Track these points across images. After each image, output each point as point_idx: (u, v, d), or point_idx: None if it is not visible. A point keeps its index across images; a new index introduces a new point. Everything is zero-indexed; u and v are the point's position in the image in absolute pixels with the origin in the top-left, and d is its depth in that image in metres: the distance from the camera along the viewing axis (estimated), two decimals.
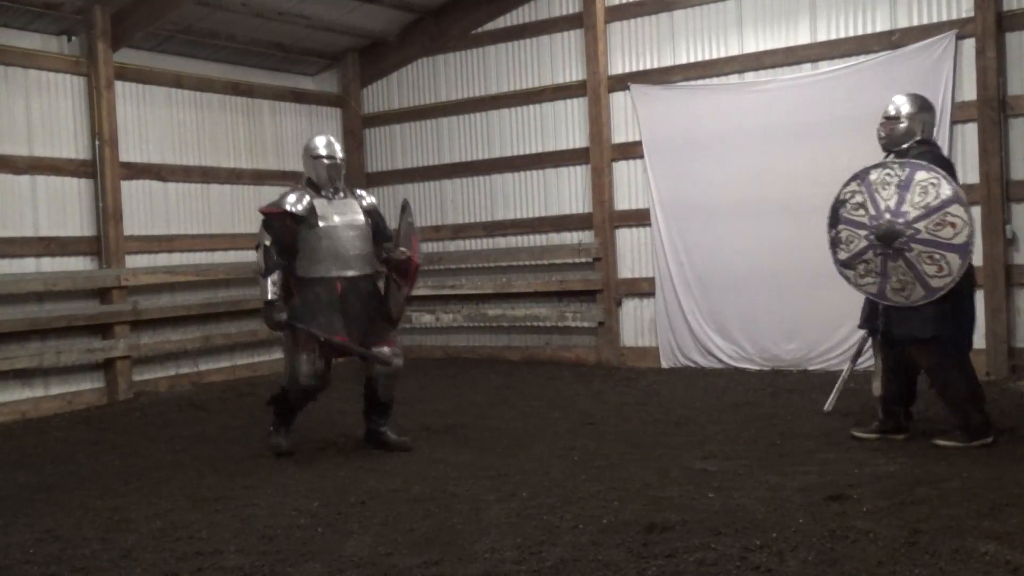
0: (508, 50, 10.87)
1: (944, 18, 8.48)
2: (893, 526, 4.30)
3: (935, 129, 6.89)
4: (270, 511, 5.10)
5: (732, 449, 6.08)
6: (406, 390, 8.01)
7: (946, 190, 5.69)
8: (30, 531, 4.93)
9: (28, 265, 8.78)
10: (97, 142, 9.19)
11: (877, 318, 6.03)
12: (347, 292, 6.32)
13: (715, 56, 9.58)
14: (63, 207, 9.06)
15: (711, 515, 4.60)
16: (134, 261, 9.48)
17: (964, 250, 5.65)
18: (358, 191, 6.74)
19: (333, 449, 6.59)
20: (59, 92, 9.10)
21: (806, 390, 8.05)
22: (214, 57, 10.66)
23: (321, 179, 6.47)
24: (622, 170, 10.15)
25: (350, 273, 6.36)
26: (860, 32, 8.87)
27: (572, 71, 10.44)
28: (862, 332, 6.41)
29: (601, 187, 10.15)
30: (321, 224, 6.31)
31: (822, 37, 9.06)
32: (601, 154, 10.13)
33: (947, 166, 6.02)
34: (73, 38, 9.23)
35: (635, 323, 10.20)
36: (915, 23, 8.61)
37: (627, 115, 10.08)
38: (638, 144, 9.96)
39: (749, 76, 9.41)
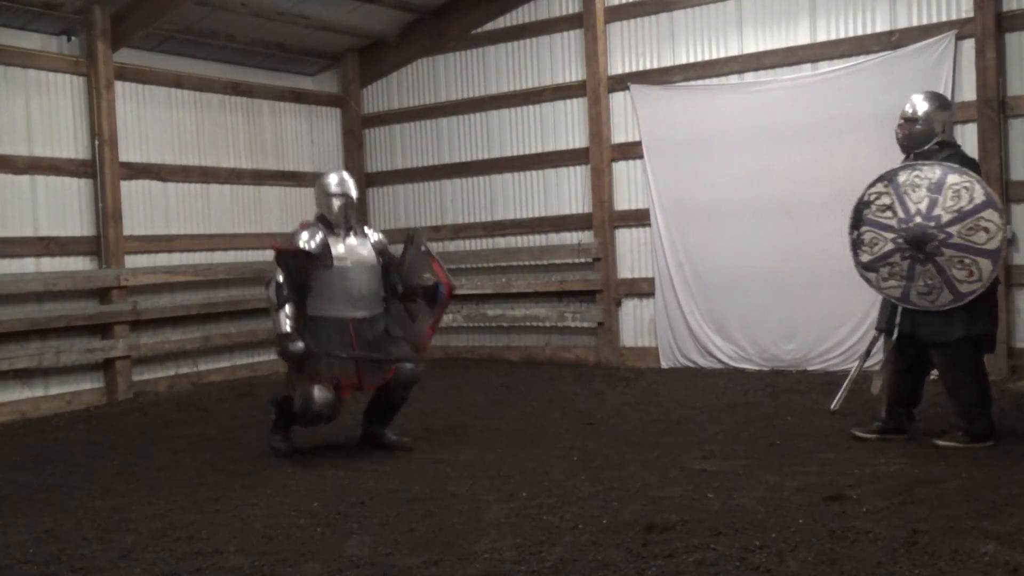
0: (508, 50, 10.87)
1: (944, 18, 8.49)
2: (893, 526, 4.30)
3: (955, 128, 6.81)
4: (270, 511, 5.10)
5: (731, 449, 6.08)
6: None
7: (980, 194, 5.60)
8: (29, 531, 4.92)
9: (28, 265, 8.78)
10: (97, 142, 9.19)
11: (896, 320, 5.95)
12: (360, 331, 6.29)
13: (715, 56, 9.58)
14: (63, 207, 9.06)
15: (710, 515, 4.60)
16: (134, 261, 9.49)
17: (996, 256, 5.57)
18: (366, 229, 6.66)
19: (333, 449, 6.58)
20: (59, 92, 9.10)
21: (805, 390, 8.05)
22: (214, 57, 10.66)
23: (334, 217, 6.43)
24: (622, 170, 10.15)
25: (362, 314, 6.33)
26: (860, 32, 8.87)
27: (572, 71, 10.44)
28: (876, 333, 6.29)
29: (601, 187, 10.15)
30: (336, 264, 6.28)
31: (822, 37, 9.06)
32: (601, 154, 10.14)
33: (974, 166, 5.95)
34: (73, 38, 9.23)
35: (635, 323, 10.20)
36: (915, 23, 8.62)
37: (627, 115, 10.08)
38: (638, 144, 9.96)
39: (749, 76, 9.41)
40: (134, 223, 9.57)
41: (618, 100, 10.13)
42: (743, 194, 9.28)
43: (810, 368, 9.02)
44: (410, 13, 11.11)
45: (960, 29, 8.33)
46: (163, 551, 4.50)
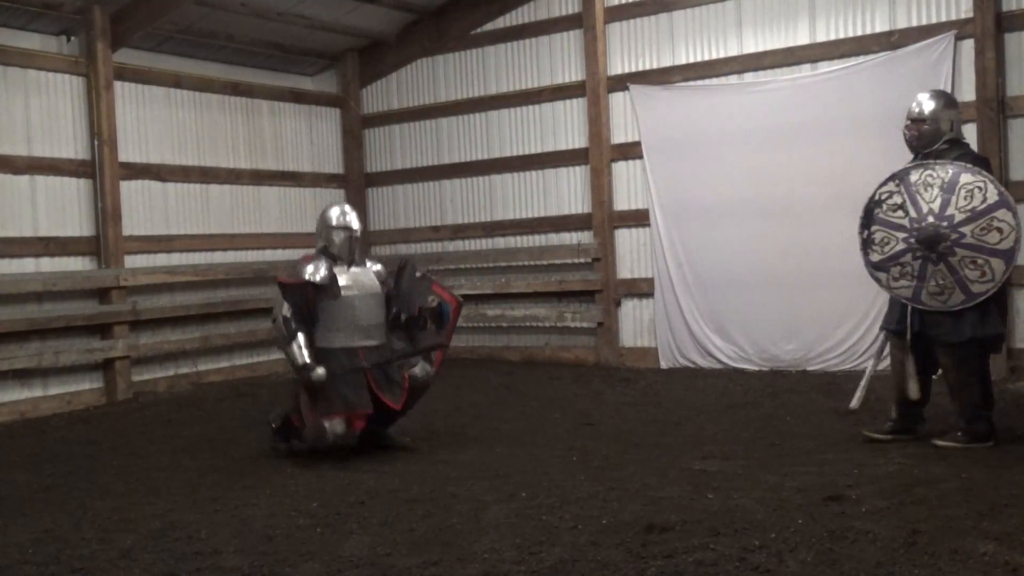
0: (507, 50, 10.87)
1: (943, 19, 8.49)
2: (892, 526, 4.30)
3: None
4: (269, 511, 5.10)
5: (731, 449, 6.07)
6: None
7: (993, 194, 5.57)
8: (29, 531, 4.92)
9: (27, 265, 8.78)
10: (96, 142, 9.19)
11: (905, 320, 5.91)
12: (370, 359, 6.27)
13: (714, 57, 9.58)
14: (62, 207, 9.06)
15: (710, 515, 4.60)
16: (133, 261, 9.49)
17: (1010, 256, 5.53)
18: (367, 260, 6.68)
19: (333, 449, 6.58)
20: (58, 92, 9.10)
21: (805, 390, 8.05)
22: (213, 57, 10.66)
23: (337, 249, 6.43)
24: (621, 170, 10.15)
25: (371, 342, 6.33)
26: (859, 33, 8.87)
27: (571, 71, 10.44)
28: (883, 333, 6.25)
29: (600, 187, 10.15)
30: (344, 293, 6.27)
31: (821, 38, 9.06)
32: (600, 154, 10.14)
33: (985, 164, 5.91)
34: (72, 38, 9.24)
35: (634, 323, 10.20)
36: (914, 24, 8.62)
37: (626, 115, 10.08)
38: (637, 144, 9.96)
39: (748, 76, 9.41)
40: (133, 223, 9.57)
41: (618, 100, 10.13)
42: (743, 194, 9.29)
43: (810, 368, 9.02)
44: (409, 13, 11.12)
45: (960, 29, 8.33)
46: (162, 551, 4.50)
